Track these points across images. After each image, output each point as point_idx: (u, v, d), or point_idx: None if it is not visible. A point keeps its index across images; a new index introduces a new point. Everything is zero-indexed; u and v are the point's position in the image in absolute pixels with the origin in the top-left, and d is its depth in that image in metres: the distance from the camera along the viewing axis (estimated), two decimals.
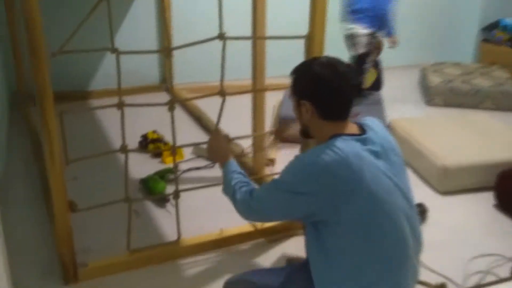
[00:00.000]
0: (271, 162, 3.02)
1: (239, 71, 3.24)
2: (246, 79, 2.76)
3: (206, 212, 2.52)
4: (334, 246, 1.45)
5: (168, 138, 3.24)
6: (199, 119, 3.68)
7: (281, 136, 2.90)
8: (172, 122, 2.01)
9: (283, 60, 4.16)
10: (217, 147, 1.84)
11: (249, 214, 1.63)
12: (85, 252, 2.13)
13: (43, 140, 1.73)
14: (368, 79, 3.95)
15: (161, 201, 2.57)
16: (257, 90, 2.52)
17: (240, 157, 1.91)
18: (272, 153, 3.07)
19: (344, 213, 1.41)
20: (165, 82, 4.37)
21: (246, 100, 2.70)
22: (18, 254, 2.16)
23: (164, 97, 4.23)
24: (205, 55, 3.53)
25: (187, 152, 3.13)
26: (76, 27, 1.71)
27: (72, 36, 1.68)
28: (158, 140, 3.11)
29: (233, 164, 1.77)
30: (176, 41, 4.22)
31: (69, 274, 1.96)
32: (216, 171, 2.94)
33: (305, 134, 1.63)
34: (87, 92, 4.14)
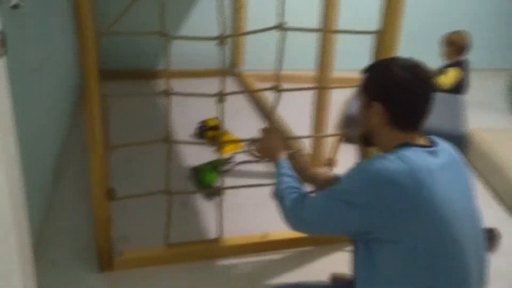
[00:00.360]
0: (331, 162, 2.82)
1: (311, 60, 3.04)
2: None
3: (252, 211, 2.39)
4: (386, 269, 1.29)
5: (228, 126, 3.13)
6: (262, 109, 3.54)
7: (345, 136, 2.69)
8: (222, 113, 1.87)
9: (353, 53, 3.97)
10: (269, 144, 1.68)
11: (297, 225, 1.46)
12: (124, 240, 2.08)
13: (86, 124, 1.67)
14: (450, 79, 3.59)
15: (210, 193, 2.47)
16: (320, 87, 2.33)
17: (295, 155, 1.75)
18: (332, 153, 2.87)
19: (405, 233, 1.24)
20: (235, 67, 4.28)
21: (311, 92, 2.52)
22: (61, 235, 2.15)
23: (231, 82, 4.14)
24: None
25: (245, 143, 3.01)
26: (127, 7, 1.62)
27: (121, 15, 1.60)
28: (217, 127, 3.00)
29: (284, 165, 1.60)
30: (251, 26, 4.12)
31: (104, 261, 1.91)
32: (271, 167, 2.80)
33: (366, 141, 1.46)
34: (157, 71, 4.13)
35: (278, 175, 1.57)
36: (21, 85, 1.95)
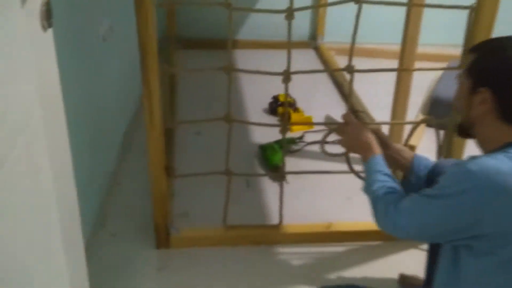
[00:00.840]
0: (412, 149, 2.60)
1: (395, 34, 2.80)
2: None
3: (318, 197, 2.25)
4: (472, 280, 1.16)
5: (303, 103, 2.99)
6: (341, 86, 3.34)
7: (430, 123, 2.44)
8: (286, 91, 1.73)
9: (443, 26, 3.62)
10: (359, 135, 1.50)
11: (393, 231, 1.28)
12: (184, 216, 2.04)
13: (143, 100, 1.60)
14: None
15: (275, 175, 2.36)
16: (402, 69, 2.11)
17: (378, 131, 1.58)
18: (414, 139, 2.64)
19: (507, 245, 1.11)
20: (315, 39, 4.08)
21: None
22: (124, 209, 2.14)
23: (311, 55, 3.95)
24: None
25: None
26: None
27: None
28: (289, 104, 2.86)
29: (379, 160, 1.43)
30: None
31: (161, 238, 1.88)
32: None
33: (464, 132, 1.27)
34: (234, 40, 4.03)
35: (372, 172, 1.41)
36: (89, 56, 1.93)
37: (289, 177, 2.16)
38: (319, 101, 3.15)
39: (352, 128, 1.53)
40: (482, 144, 1.23)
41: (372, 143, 1.48)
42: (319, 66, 3.71)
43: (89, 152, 1.88)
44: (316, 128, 2.79)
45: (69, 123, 1.11)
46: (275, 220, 2.00)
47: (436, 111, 2.80)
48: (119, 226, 2.03)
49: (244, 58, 3.59)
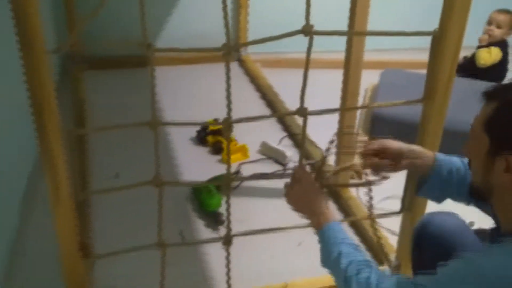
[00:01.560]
0: (358, 174, 2.38)
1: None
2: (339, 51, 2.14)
3: (267, 246, 1.95)
4: None
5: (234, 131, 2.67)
6: (271, 103, 3.06)
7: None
8: (228, 143, 1.41)
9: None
10: (307, 194, 1.21)
11: None
12: None
13: (43, 171, 1.21)
14: (493, 58, 3.15)
15: (214, 221, 2.04)
16: (346, 109, 1.88)
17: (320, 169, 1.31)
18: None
19: None
20: (237, 50, 3.77)
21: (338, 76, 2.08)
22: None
23: (235, 68, 3.65)
24: (284, 22, 2.88)
25: (253, 150, 2.56)
26: None
27: None
28: (219, 132, 2.54)
29: (338, 228, 1.15)
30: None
31: None
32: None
33: (477, 194, 1.04)
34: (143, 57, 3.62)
35: (332, 244, 1.12)
36: None
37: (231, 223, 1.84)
38: (250, 124, 2.86)
39: (303, 187, 1.23)
40: (504, 214, 0.98)
41: (325, 209, 1.19)
42: (245, 81, 3.42)
43: None
44: (252, 157, 2.50)
45: None
46: (220, 284, 1.69)
47: (377, 130, 2.61)
48: None
49: (161, 78, 3.20)
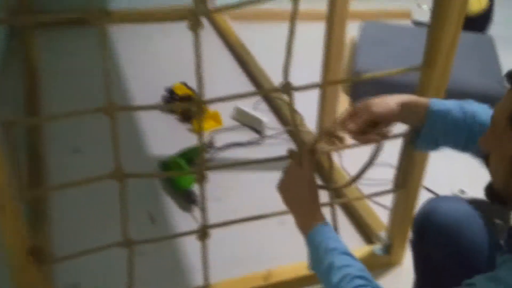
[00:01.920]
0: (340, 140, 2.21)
1: None
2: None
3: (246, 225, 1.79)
4: None
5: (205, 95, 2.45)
6: (245, 63, 2.82)
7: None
8: (200, 139, 1.21)
9: None
10: (298, 190, 1.06)
11: None
12: None
13: None
14: (481, 5, 3.00)
15: (187, 200, 1.86)
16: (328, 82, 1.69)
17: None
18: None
19: None
20: (204, 3, 3.47)
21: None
22: None
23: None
24: None
25: (226, 116, 2.34)
26: None
27: None
28: (189, 97, 2.32)
29: (330, 233, 1.00)
30: None
31: None
32: (270, 148, 2.17)
33: (496, 196, 0.87)
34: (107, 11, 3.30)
35: (323, 250, 0.97)
36: None
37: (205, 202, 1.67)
38: (221, 87, 2.63)
39: (295, 177, 1.07)
40: None
41: (313, 205, 1.05)
42: (214, 38, 3.15)
43: None
44: (226, 125, 2.30)
45: None
46: (196, 273, 1.53)
47: (360, 91, 2.43)
48: None
49: (120, 37, 2.92)
